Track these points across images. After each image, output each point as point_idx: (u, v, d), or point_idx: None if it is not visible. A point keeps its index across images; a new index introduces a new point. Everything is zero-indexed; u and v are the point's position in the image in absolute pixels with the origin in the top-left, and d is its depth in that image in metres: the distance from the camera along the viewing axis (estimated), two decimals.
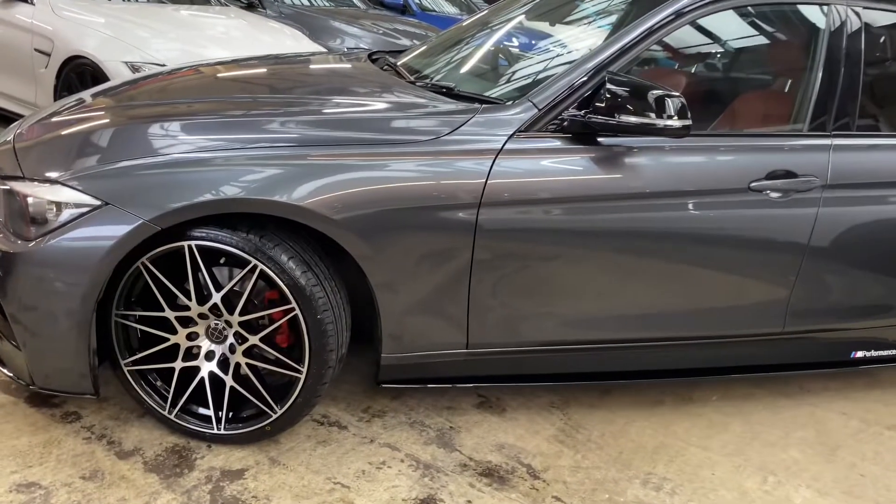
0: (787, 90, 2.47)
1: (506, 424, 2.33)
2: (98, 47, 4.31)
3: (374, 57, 2.96)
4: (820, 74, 2.32)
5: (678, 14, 2.18)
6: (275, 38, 5.18)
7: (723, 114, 2.44)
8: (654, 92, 1.98)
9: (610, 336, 2.30)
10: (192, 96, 2.40)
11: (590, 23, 2.57)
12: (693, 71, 2.54)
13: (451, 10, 9.43)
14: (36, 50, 4.57)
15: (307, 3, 7.56)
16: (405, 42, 6.40)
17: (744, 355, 2.49)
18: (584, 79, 2.08)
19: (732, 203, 2.20)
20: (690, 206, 2.18)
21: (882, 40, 2.48)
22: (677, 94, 1.98)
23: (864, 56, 2.35)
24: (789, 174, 2.23)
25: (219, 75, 2.72)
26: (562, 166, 2.09)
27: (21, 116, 4.71)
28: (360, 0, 8.10)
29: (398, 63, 2.78)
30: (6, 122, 4.94)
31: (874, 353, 2.61)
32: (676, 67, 2.54)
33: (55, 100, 4.46)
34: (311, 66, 2.90)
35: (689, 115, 1.97)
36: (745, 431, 2.44)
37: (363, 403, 2.36)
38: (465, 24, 3.04)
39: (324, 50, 5.46)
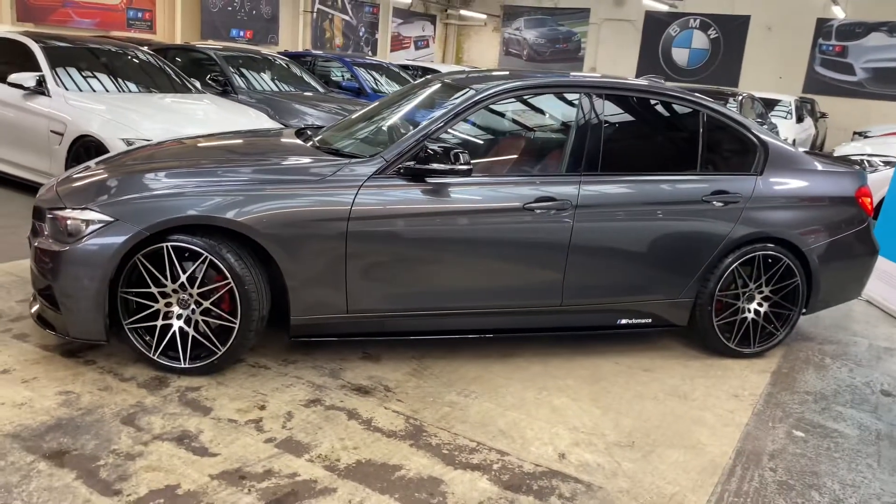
0: (554, 147, 3.78)
1: (377, 366, 3.53)
2: (101, 128, 5.64)
3: (300, 132, 4.27)
4: (573, 137, 3.65)
5: (475, 103, 3.51)
6: (242, 118, 6.54)
7: (513, 161, 3.75)
8: (453, 150, 3.28)
9: (444, 305, 3.52)
10: (170, 158, 3.67)
11: (429, 107, 3.87)
12: (496, 135, 3.86)
13: None
14: (52, 131, 5.89)
15: (274, 89, 9.00)
16: None
17: (539, 321, 3.73)
18: (415, 142, 3.39)
19: (514, 218, 3.47)
20: (488, 219, 3.46)
21: (615, 115, 3.82)
22: (465, 150, 3.28)
23: (603, 125, 3.68)
24: (551, 199, 3.51)
25: (187, 145, 4.00)
26: (401, 195, 3.35)
27: (36, 183, 6.01)
28: (319, 84, 9.58)
29: (314, 136, 4.08)
30: (21, 187, 6.22)
31: (634, 321, 3.85)
32: (488, 133, 3.86)
33: (66, 169, 5.74)
34: (252, 139, 4.20)
35: (471, 163, 3.28)
36: (541, 371, 3.64)
37: (282, 355, 3.54)
38: (358, 112, 4.36)
39: (281, 126, 6.81)
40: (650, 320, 3.88)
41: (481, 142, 3.84)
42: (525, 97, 3.77)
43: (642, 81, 4.10)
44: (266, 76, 9.27)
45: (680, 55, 22.56)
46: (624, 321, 3.84)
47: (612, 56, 23.14)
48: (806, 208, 3.99)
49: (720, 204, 3.80)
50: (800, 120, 13.46)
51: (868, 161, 6.63)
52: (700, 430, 3.18)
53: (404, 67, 12.89)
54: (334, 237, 3.25)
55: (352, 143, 3.83)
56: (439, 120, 3.47)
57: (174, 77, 7.25)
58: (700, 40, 22.23)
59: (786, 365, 4.00)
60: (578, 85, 3.76)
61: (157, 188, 3.19)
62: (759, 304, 4.00)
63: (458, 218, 3.42)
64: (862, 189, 4.15)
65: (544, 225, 3.52)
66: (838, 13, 18.89)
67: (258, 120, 6.61)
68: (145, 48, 7.92)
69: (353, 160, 3.41)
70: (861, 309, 5.11)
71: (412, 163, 3.35)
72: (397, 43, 24.44)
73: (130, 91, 6.66)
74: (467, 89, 3.66)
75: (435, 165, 3.29)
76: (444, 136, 3.50)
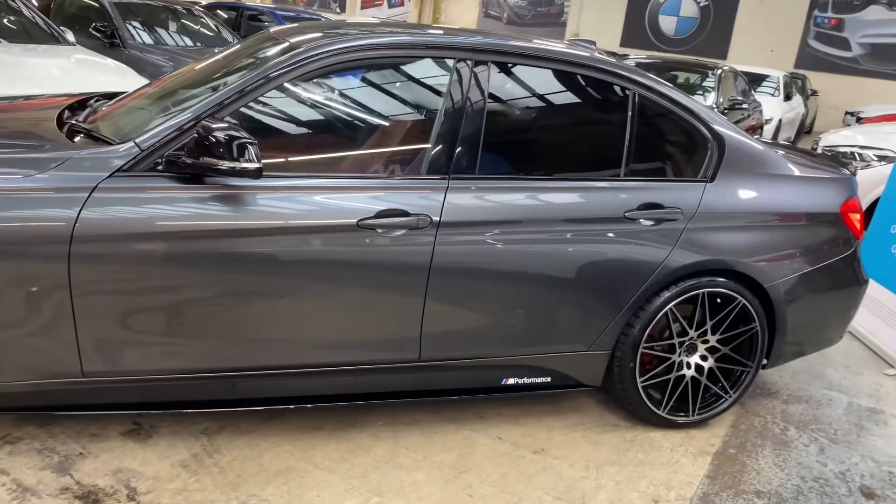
0: (411, 137, 2.64)
1: (141, 450, 2.43)
2: None
3: (83, 102, 3.04)
4: (440, 123, 2.51)
5: (285, 69, 2.37)
6: (103, 77, 5.33)
7: (348, 157, 2.61)
8: (239, 140, 2.14)
9: (243, 365, 2.42)
10: None
11: (240, 72, 2.71)
12: (324, 118, 2.67)
13: None
14: None
15: (181, 44, 7.76)
16: None
17: (389, 383, 2.63)
18: (185, 123, 2.25)
19: (343, 239, 2.36)
20: (306, 242, 2.33)
21: (506, 92, 2.68)
22: (254, 141, 2.15)
23: (486, 107, 2.55)
24: (401, 213, 2.40)
25: None
26: (162, 204, 2.22)
27: None
28: (237, 40, 8.33)
29: (94, 107, 2.91)
30: None
31: (525, 380, 2.77)
32: (313, 115, 2.67)
33: None
34: (22, 111, 3.01)
35: (260, 160, 2.15)
36: (387, 455, 2.56)
37: (6, 428, 2.44)
38: (155, 84, 3.14)
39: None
40: (549, 379, 2.80)
41: (300, 128, 2.66)
42: (370, 63, 2.59)
43: (559, 46, 2.94)
44: (173, 29, 8.02)
45: (667, 23, 21.26)
46: (511, 381, 2.76)
47: (596, 22, 21.83)
48: (772, 229, 2.90)
49: (650, 222, 2.70)
50: (787, 98, 12.30)
51: (859, 154, 5.55)
52: None
53: None
54: (49, 266, 2.11)
55: (120, 123, 2.64)
56: (227, 93, 2.33)
57: (36, 25, 6.00)
58: (689, 8, 20.93)
59: (734, 440, 2.95)
60: (452, 47, 2.60)
61: None
62: (703, 358, 2.93)
63: (259, 240, 2.29)
64: (850, 202, 3.07)
65: (391, 249, 2.41)
66: None
67: (123, 79, 5.39)
68: None
69: (89, 149, 2.26)
70: (840, 344, 4.05)
71: (181, 154, 2.22)
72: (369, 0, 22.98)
73: None
74: (286, 46, 2.51)
75: (209, 160, 2.15)
76: (248, 115, 2.38)
